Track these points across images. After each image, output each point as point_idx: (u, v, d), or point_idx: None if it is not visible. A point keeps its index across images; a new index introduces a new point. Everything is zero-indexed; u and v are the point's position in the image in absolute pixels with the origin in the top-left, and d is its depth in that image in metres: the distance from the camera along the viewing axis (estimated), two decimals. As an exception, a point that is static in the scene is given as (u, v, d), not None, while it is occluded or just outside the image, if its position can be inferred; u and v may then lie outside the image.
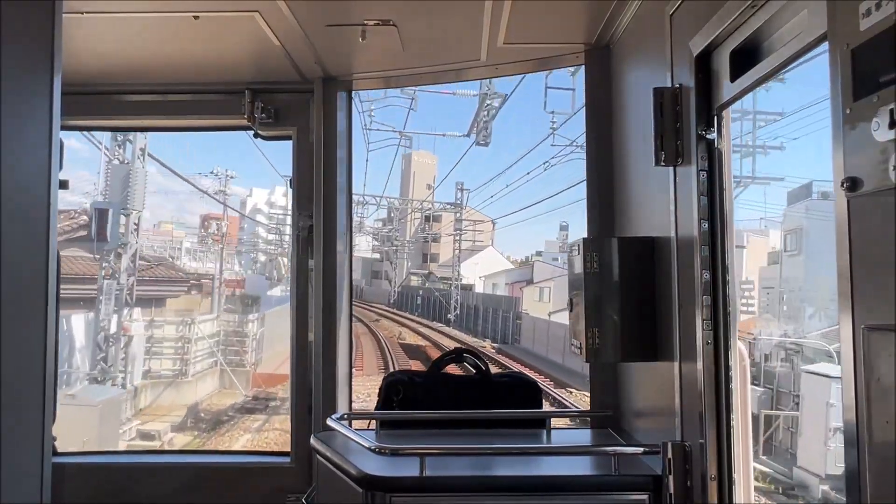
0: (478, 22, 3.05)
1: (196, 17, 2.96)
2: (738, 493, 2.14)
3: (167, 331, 23.16)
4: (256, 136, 3.92)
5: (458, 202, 49.53)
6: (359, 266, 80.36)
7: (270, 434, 17.81)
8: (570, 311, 2.95)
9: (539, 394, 3.40)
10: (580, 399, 18.89)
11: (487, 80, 27.42)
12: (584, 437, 3.42)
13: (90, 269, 19.84)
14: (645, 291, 2.69)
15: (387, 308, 56.89)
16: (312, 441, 3.03)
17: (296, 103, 3.78)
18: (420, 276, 65.12)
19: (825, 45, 1.47)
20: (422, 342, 33.44)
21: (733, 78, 2.07)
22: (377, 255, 76.03)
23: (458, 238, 50.15)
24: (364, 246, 76.51)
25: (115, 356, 18.59)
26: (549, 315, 34.34)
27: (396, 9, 2.95)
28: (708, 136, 2.23)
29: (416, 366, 22.94)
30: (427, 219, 64.42)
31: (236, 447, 16.11)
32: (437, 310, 50.10)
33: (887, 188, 1.22)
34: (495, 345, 34.79)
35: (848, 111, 1.32)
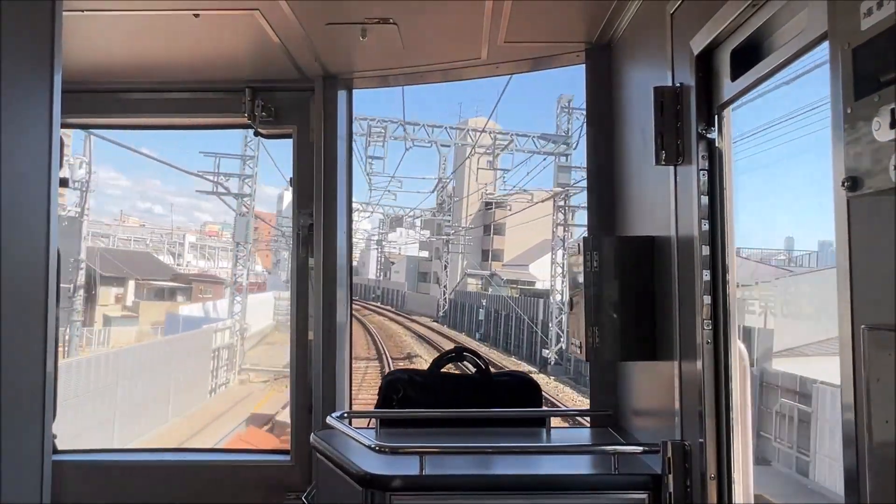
0: (478, 20, 3.05)
1: (196, 15, 2.96)
2: (738, 493, 2.14)
3: None
4: (257, 134, 3.93)
5: (566, 134, 26.03)
6: (402, 267, 67.61)
7: None
8: (571, 310, 2.96)
9: (539, 393, 3.40)
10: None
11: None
12: (583, 436, 3.43)
13: None
14: (645, 291, 2.69)
15: (432, 324, 40.05)
16: (312, 439, 3.03)
17: (296, 101, 3.78)
18: (481, 279, 49.66)
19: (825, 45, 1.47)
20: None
21: (734, 77, 2.07)
22: (425, 254, 61.76)
23: (565, 204, 26.82)
24: (408, 240, 65.36)
25: None
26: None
27: (396, 7, 2.95)
28: (708, 136, 2.23)
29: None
30: (488, 204, 45.45)
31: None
32: (510, 332, 32.79)
33: (888, 188, 1.21)
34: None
35: (848, 111, 1.32)
